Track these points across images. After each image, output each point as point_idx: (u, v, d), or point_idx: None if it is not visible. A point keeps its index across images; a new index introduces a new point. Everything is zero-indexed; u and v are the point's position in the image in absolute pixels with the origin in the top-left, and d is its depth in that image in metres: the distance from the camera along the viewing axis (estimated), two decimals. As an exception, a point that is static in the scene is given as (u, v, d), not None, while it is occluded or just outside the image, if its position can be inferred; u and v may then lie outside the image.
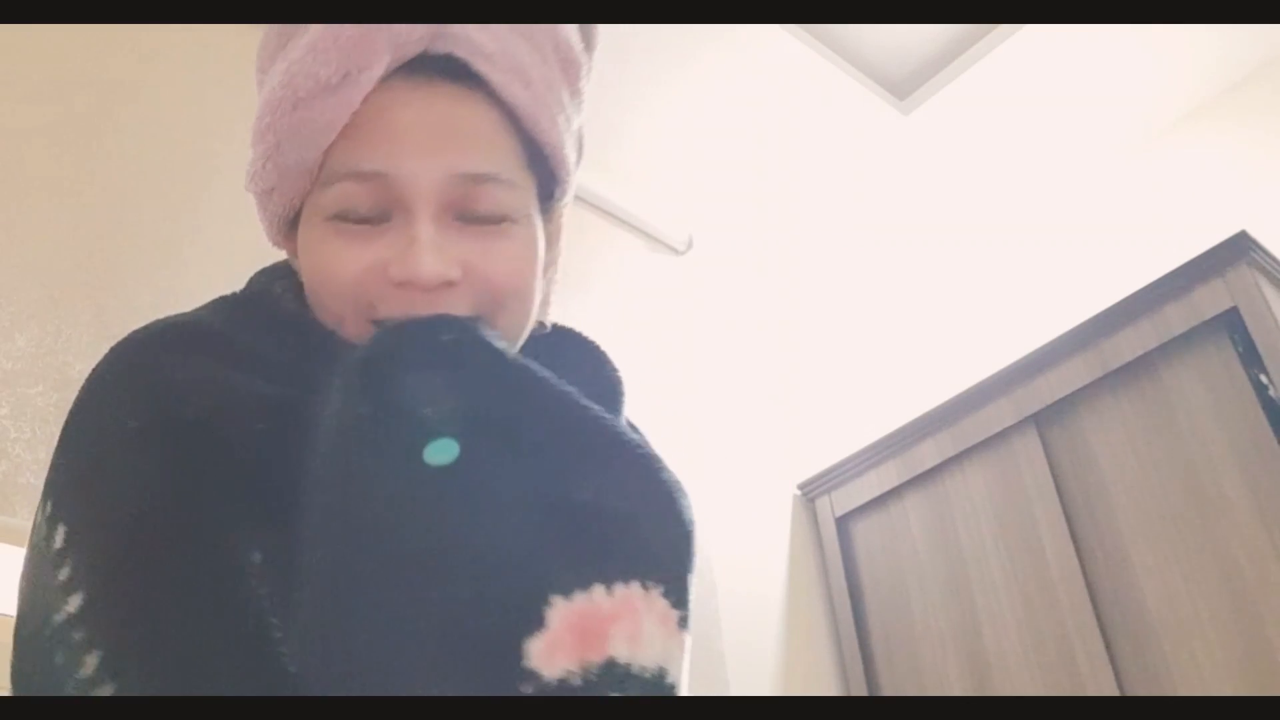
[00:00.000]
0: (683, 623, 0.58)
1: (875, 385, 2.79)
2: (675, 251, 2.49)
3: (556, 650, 0.52)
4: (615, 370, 0.77)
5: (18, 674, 0.55)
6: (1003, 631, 1.98)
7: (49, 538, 0.55)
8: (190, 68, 1.85)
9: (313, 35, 0.64)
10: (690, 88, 2.37)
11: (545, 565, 0.54)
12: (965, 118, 2.49)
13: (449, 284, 0.63)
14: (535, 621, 0.52)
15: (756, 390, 2.50)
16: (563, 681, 0.52)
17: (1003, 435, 2.09)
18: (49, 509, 0.57)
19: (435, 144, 0.64)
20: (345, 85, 0.63)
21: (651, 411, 2.19)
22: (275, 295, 0.69)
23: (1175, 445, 1.86)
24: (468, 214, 0.65)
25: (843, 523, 2.33)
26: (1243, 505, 1.75)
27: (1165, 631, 1.78)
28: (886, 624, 2.17)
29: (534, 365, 0.61)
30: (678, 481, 0.63)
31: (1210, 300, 1.86)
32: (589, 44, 0.79)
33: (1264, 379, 1.77)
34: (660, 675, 0.55)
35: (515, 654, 0.52)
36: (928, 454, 2.20)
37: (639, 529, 0.58)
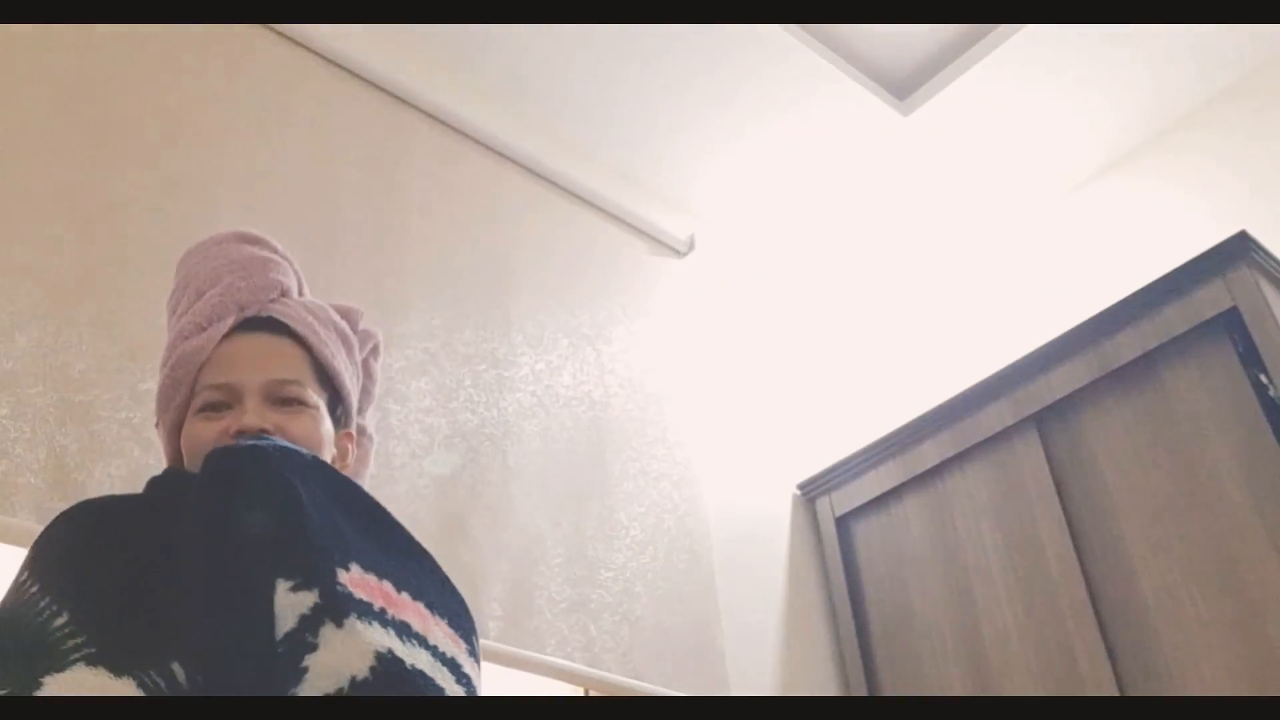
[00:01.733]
0: (473, 655, 0.91)
1: (875, 385, 2.79)
2: (677, 253, 2.49)
3: (357, 587, 0.84)
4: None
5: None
6: (1003, 631, 1.98)
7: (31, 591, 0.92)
8: (191, 69, 1.85)
9: (195, 306, 1.13)
10: (691, 89, 2.37)
11: (357, 549, 0.90)
12: (965, 118, 2.49)
13: (264, 432, 1.04)
14: (344, 565, 0.85)
15: (757, 390, 2.50)
16: (364, 604, 0.83)
17: (1003, 435, 2.09)
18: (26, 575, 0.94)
19: (259, 364, 1.10)
20: (211, 327, 1.11)
21: (653, 413, 2.19)
22: (169, 484, 1.09)
23: (1175, 445, 1.86)
24: (277, 399, 1.08)
25: (843, 523, 2.33)
26: (1243, 505, 1.75)
27: (1165, 631, 1.78)
28: (886, 624, 2.17)
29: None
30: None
31: (1210, 300, 1.86)
32: (354, 328, 1.25)
33: (1264, 379, 1.77)
34: (448, 659, 0.87)
35: (332, 573, 0.84)
36: (928, 454, 2.20)
37: (423, 573, 0.97)
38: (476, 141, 2.21)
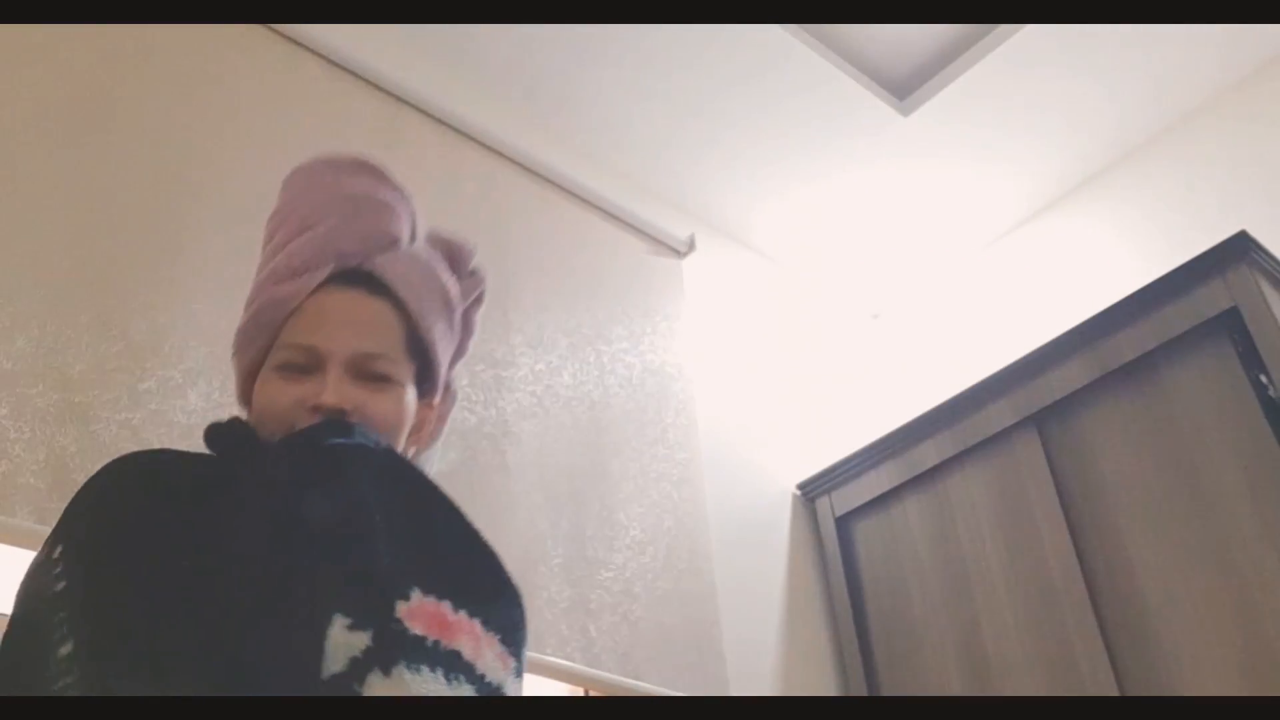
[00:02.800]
0: (518, 673, 0.87)
1: (876, 385, 2.79)
2: (677, 253, 2.49)
3: (415, 618, 0.80)
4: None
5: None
6: (1003, 631, 1.98)
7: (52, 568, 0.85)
8: (191, 69, 1.85)
9: (293, 245, 1.03)
10: (692, 89, 2.37)
11: (419, 572, 0.85)
12: (966, 116, 2.49)
13: (343, 412, 0.96)
14: (403, 594, 0.82)
15: (757, 390, 2.50)
16: (418, 639, 0.79)
17: (1003, 435, 2.09)
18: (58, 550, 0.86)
19: (349, 331, 1.00)
20: (305, 274, 1.01)
21: (653, 413, 2.19)
22: (231, 441, 1.00)
23: (1175, 445, 1.86)
24: (362, 374, 0.99)
25: (843, 523, 2.33)
26: (1243, 505, 1.75)
27: (1165, 631, 1.78)
28: (886, 624, 2.17)
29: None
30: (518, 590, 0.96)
31: (1210, 300, 1.86)
32: (462, 270, 1.14)
33: (1264, 379, 1.77)
34: (492, 684, 0.84)
35: (391, 606, 0.80)
36: (928, 454, 2.20)
37: (487, 585, 0.91)
38: (476, 141, 2.21)
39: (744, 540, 2.24)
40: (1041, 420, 2.05)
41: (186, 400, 1.55)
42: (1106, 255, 2.53)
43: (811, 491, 2.40)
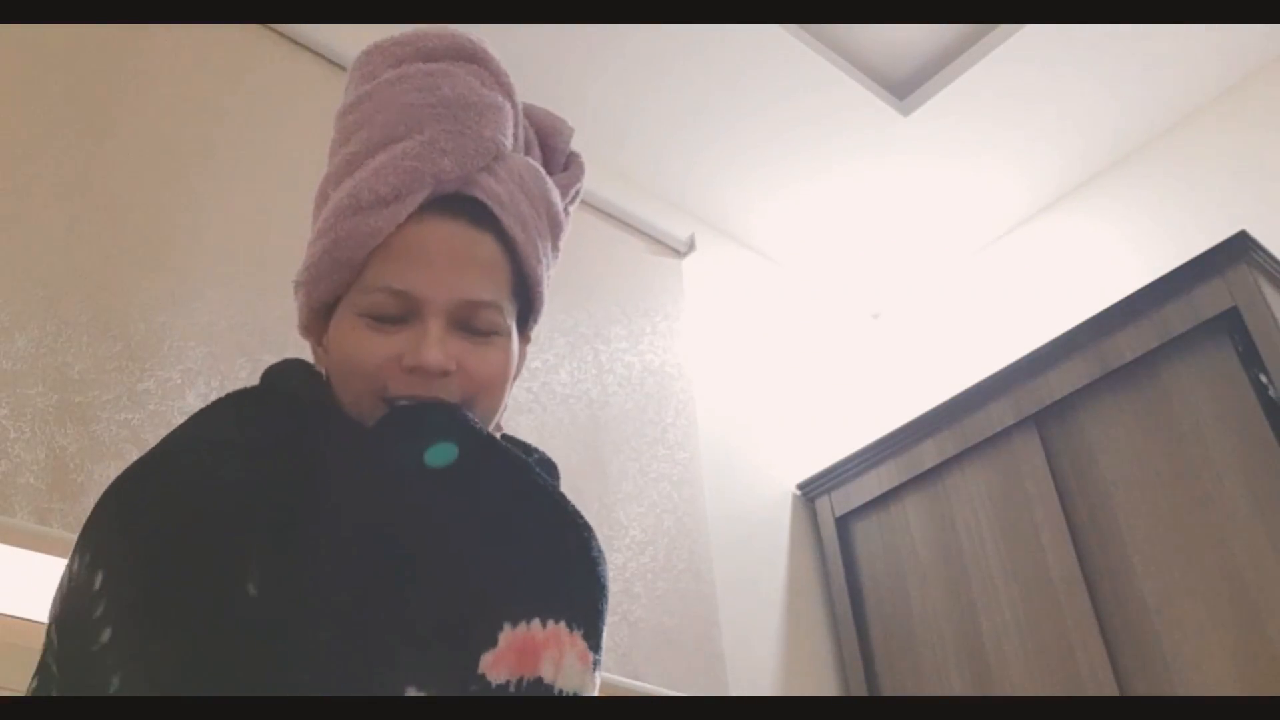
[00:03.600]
0: (596, 665, 0.76)
1: (875, 385, 2.79)
2: (677, 253, 2.49)
3: (500, 664, 0.69)
4: (551, 461, 0.97)
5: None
6: (1003, 631, 1.98)
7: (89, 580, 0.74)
8: (191, 68, 1.85)
9: (378, 161, 0.84)
10: (691, 88, 2.37)
11: (503, 598, 0.71)
12: (966, 116, 2.49)
13: (445, 374, 0.82)
14: (490, 641, 0.69)
15: (756, 390, 2.50)
16: (500, 687, 0.68)
17: (1003, 435, 2.09)
18: (88, 559, 0.74)
19: (453, 275, 0.83)
20: (395, 203, 0.83)
21: (652, 413, 2.19)
22: (293, 389, 0.86)
23: (1175, 445, 1.86)
24: (467, 327, 0.84)
25: (843, 523, 2.33)
26: (1243, 505, 1.75)
27: (1165, 631, 1.78)
28: (886, 624, 2.17)
29: (501, 443, 0.82)
30: (601, 550, 0.79)
31: (1210, 300, 1.86)
32: (561, 154, 0.98)
33: (1264, 379, 1.77)
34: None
35: (474, 662, 0.69)
36: (927, 454, 2.20)
37: (572, 581, 0.76)
38: (476, 141, 2.20)
39: (744, 540, 2.24)
40: (1041, 420, 2.05)
41: (185, 401, 1.55)
42: (1107, 255, 2.53)
43: (811, 491, 2.39)
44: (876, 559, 2.24)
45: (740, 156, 2.53)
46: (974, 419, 2.13)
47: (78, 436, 1.43)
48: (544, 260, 0.91)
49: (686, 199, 2.61)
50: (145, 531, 0.74)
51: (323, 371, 0.88)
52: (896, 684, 2.10)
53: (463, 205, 0.85)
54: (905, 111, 2.47)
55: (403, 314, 0.82)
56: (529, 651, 0.70)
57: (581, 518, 0.79)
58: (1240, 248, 1.85)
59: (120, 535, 0.75)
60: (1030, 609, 1.95)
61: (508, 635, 0.70)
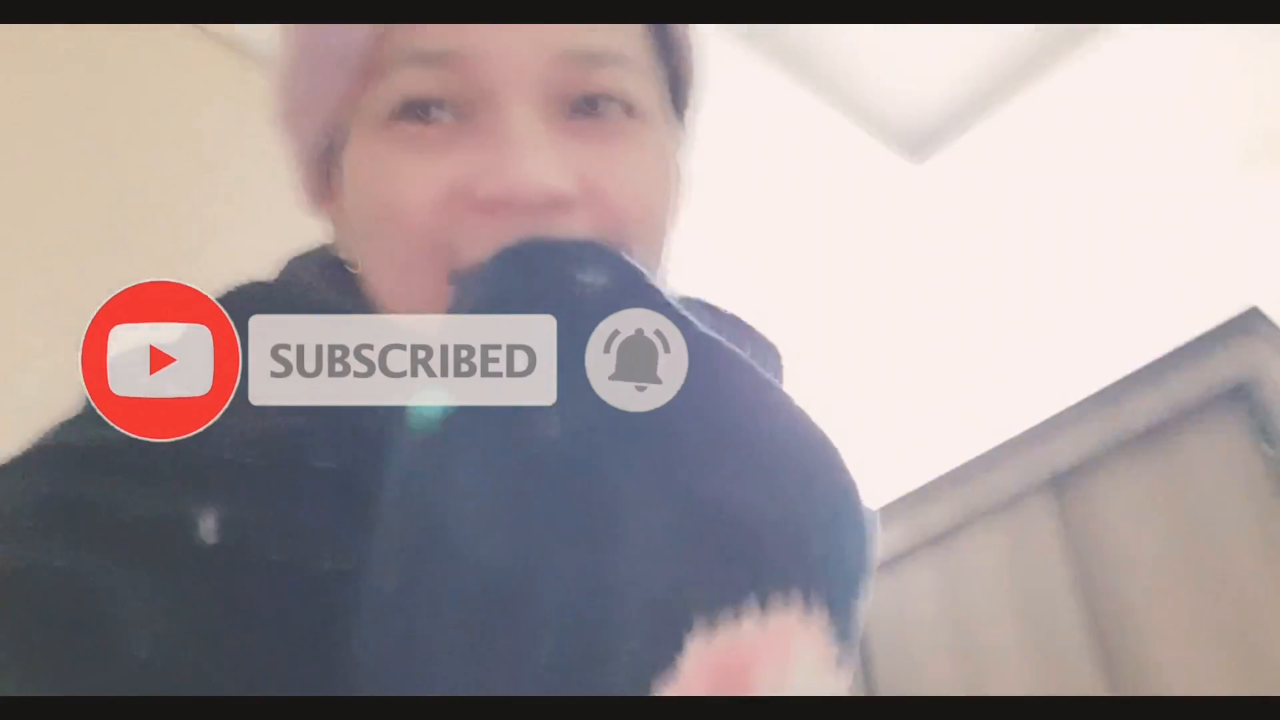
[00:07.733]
0: (840, 661, 0.44)
1: (884, 446, 2.78)
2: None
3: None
4: (768, 343, 0.57)
5: None
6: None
7: None
8: (193, 68, 1.84)
9: None
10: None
11: (683, 594, 0.38)
12: (983, 166, 2.47)
13: (561, 203, 0.44)
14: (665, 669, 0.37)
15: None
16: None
17: (1016, 500, 2.10)
18: None
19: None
20: None
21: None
22: (305, 285, 0.54)
23: (1190, 515, 1.87)
24: (582, 107, 0.46)
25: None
26: (1257, 577, 1.76)
27: (1177, 688, 1.77)
28: (897, 687, 2.15)
29: (699, 323, 0.42)
30: (854, 483, 0.46)
31: (1222, 372, 1.89)
32: None
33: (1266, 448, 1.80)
34: None
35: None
36: (937, 518, 2.20)
37: (809, 542, 0.42)
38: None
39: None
40: (1057, 485, 2.05)
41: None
42: (1126, 317, 2.54)
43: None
44: (886, 622, 2.23)
45: (748, 202, 2.54)
46: (985, 482, 2.14)
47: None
48: None
49: (692, 244, 2.61)
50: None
51: (352, 263, 0.52)
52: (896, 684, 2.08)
53: None
54: (918, 162, 2.48)
55: (458, 102, 0.45)
56: (732, 669, 0.40)
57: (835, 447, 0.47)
58: (1250, 323, 1.88)
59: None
60: (1043, 680, 1.94)
61: (693, 656, 0.38)
